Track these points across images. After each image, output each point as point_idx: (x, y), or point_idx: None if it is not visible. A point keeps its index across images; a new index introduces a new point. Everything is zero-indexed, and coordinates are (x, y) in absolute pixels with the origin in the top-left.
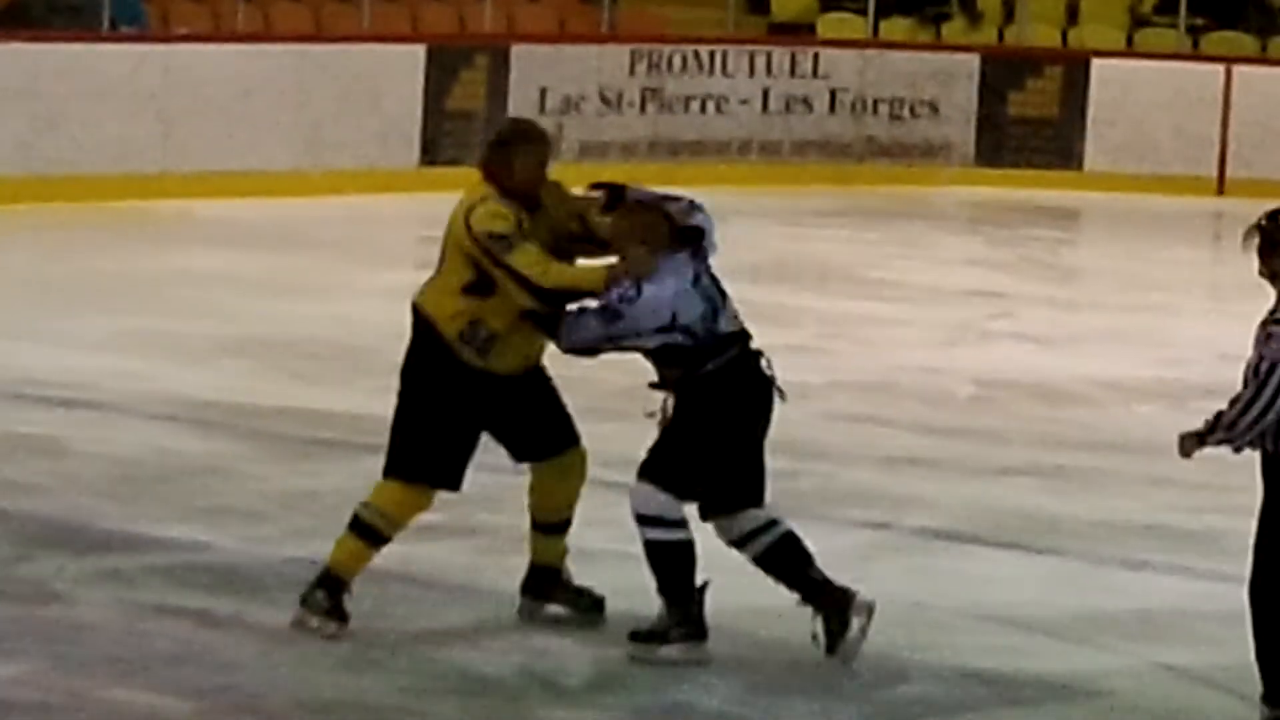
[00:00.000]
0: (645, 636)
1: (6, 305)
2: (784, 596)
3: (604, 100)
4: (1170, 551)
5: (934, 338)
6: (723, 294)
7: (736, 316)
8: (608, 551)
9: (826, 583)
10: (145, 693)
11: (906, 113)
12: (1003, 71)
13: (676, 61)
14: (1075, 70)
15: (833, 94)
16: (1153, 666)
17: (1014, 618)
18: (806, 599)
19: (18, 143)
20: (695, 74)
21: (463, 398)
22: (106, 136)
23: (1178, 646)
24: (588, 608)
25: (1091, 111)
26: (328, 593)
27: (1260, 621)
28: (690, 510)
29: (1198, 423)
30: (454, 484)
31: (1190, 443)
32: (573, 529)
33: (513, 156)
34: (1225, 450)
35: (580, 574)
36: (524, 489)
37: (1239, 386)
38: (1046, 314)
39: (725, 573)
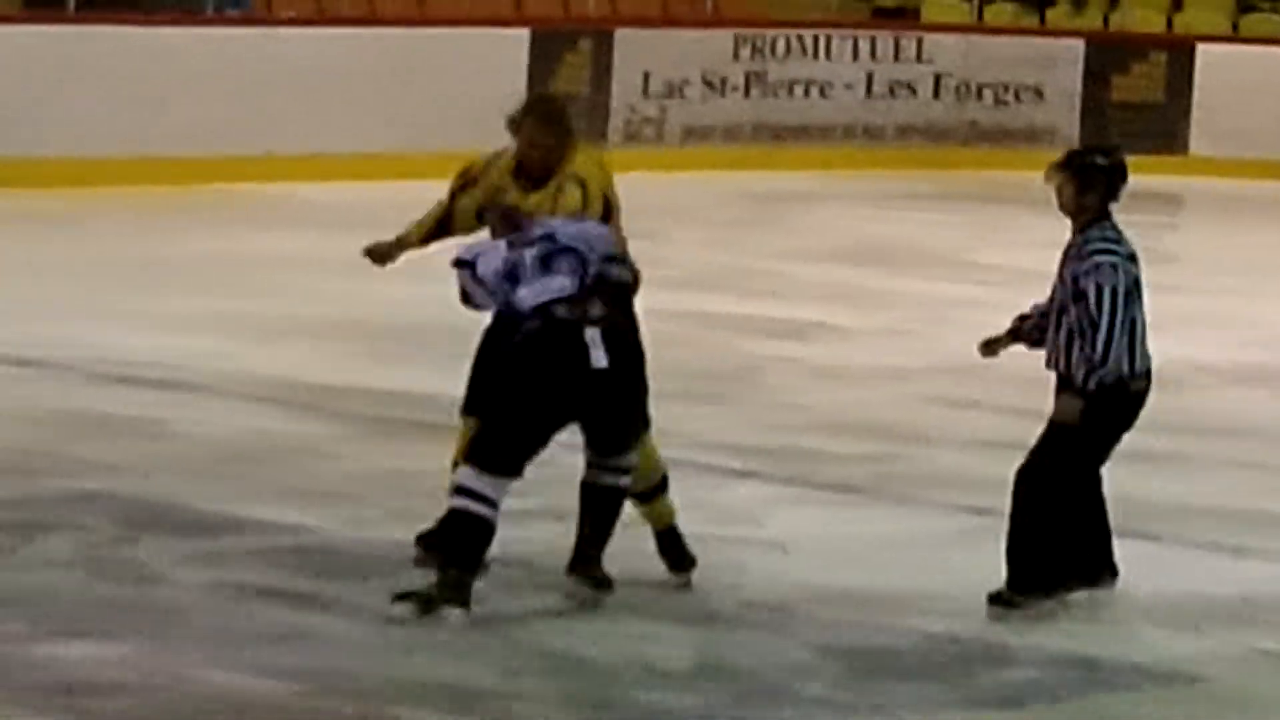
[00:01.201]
0: (411, 597)
1: (107, 287)
2: (881, 581)
3: (707, 84)
4: (1268, 536)
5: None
6: (548, 269)
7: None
8: (703, 535)
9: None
10: (244, 674)
11: (1010, 98)
12: (1107, 56)
13: (780, 46)
14: (1180, 55)
15: (936, 79)
16: (1253, 653)
17: (1113, 602)
18: (588, 549)
19: (123, 125)
20: (798, 58)
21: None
22: (210, 119)
23: (1279, 632)
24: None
25: (1196, 96)
26: None
27: (1020, 511)
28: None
29: None
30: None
31: (1072, 405)
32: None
33: (517, 128)
34: None
35: None
36: None
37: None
38: (1146, 298)
39: (824, 555)
